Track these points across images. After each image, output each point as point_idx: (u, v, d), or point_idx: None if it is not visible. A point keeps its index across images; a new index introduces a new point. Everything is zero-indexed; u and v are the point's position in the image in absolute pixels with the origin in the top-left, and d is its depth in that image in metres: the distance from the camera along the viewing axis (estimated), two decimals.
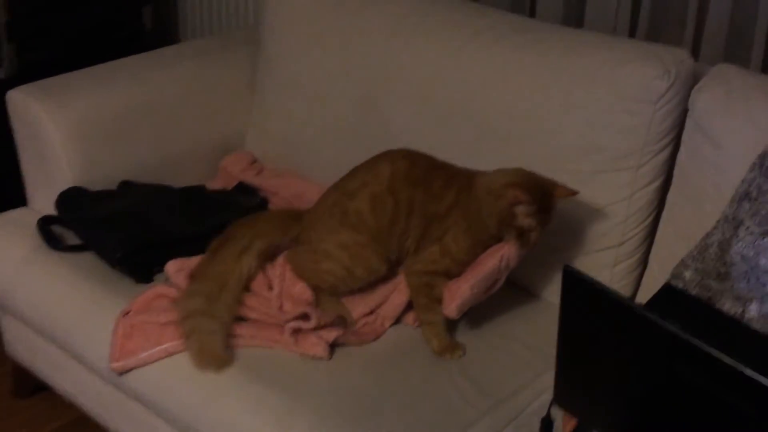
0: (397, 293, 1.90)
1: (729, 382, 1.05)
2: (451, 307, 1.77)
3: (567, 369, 1.29)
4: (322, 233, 1.88)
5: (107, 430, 2.10)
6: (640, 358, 1.17)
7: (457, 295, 1.77)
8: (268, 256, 1.91)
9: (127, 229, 2.04)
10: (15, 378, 2.45)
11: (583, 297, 1.19)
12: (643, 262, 1.96)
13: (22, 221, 2.19)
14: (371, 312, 1.89)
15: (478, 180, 1.82)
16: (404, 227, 1.86)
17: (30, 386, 2.43)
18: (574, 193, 1.79)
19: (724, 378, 1.05)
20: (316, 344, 1.75)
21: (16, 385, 2.46)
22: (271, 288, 1.88)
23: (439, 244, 1.83)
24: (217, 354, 1.74)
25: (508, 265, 1.79)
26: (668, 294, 1.50)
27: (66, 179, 2.19)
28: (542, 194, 1.75)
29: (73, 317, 1.98)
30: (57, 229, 2.15)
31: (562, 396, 1.35)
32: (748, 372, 1.01)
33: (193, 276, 1.88)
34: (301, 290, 1.84)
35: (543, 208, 1.75)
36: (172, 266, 1.92)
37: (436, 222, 1.84)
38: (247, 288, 1.87)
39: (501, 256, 1.77)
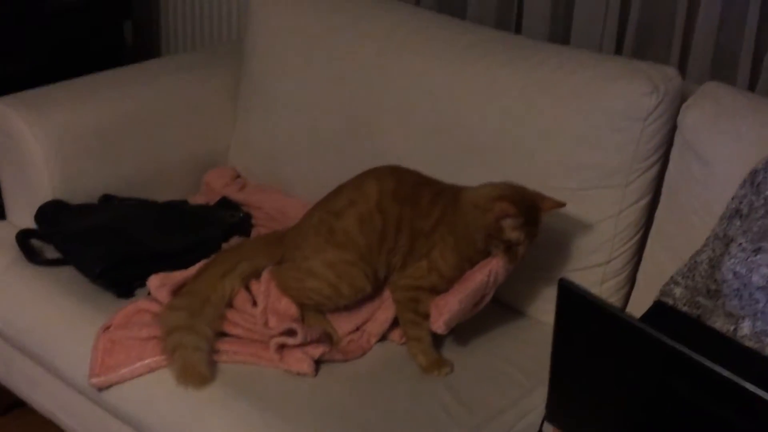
0: (382, 310, 1.88)
1: (728, 396, 1.04)
2: (439, 323, 1.75)
3: (560, 384, 1.27)
4: (307, 252, 1.86)
5: None
6: (636, 373, 1.16)
7: (445, 310, 1.75)
8: (251, 278, 1.89)
9: (107, 243, 2.01)
10: None
11: (579, 310, 1.17)
12: (631, 280, 1.95)
13: (0, 235, 2.15)
14: (357, 329, 1.87)
15: (464, 195, 1.81)
16: (392, 245, 1.84)
17: (5, 403, 2.38)
18: (561, 204, 1.78)
19: (723, 393, 1.04)
20: (301, 360, 1.73)
21: None
22: (254, 304, 1.85)
23: (427, 259, 1.81)
24: (199, 371, 1.71)
25: (497, 280, 1.77)
26: (659, 311, 1.48)
27: (46, 192, 2.15)
28: (529, 207, 1.74)
29: (52, 332, 1.94)
30: (36, 242, 2.12)
31: (555, 413, 1.33)
32: (748, 386, 1.00)
33: (176, 293, 1.85)
34: (287, 306, 1.81)
35: (530, 221, 1.74)
36: (154, 281, 1.89)
37: (422, 238, 1.83)
38: (229, 305, 1.85)
39: (489, 270, 1.76)
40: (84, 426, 2.02)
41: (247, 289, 1.88)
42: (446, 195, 1.84)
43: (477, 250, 1.78)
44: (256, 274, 1.89)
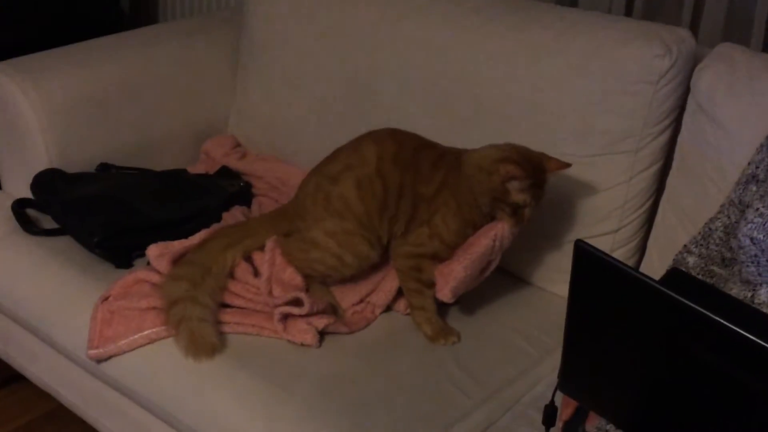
0: (387, 280, 1.83)
1: (749, 359, 1.00)
2: (445, 291, 1.71)
3: (574, 352, 1.23)
4: (308, 222, 1.81)
5: (85, 421, 2.02)
6: (654, 336, 1.11)
7: (451, 277, 1.70)
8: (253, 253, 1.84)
9: (105, 212, 1.96)
10: None
11: (595, 273, 1.13)
12: (642, 248, 1.91)
13: None
14: (361, 301, 1.83)
15: (467, 157, 1.76)
16: (394, 212, 1.79)
17: (1, 377, 2.35)
18: (566, 165, 1.74)
19: (744, 355, 1.00)
20: (305, 331, 1.69)
21: None
22: (256, 275, 1.80)
23: (428, 225, 1.76)
24: (209, 341, 1.67)
25: (502, 245, 1.73)
26: (674, 278, 1.44)
27: (42, 161, 2.11)
28: (535, 168, 1.70)
29: (49, 304, 1.90)
30: (32, 212, 2.08)
31: (568, 381, 1.29)
32: None
33: (176, 262, 1.81)
34: (291, 275, 1.77)
35: (536, 183, 1.70)
36: (153, 250, 1.84)
37: (424, 204, 1.78)
38: (231, 276, 1.80)
39: (494, 235, 1.72)
40: (82, 399, 1.99)
41: (248, 260, 1.84)
42: (448, 158, 1.79)
43: (481, 214, 1.74)
44: (260, 249, 1.84)
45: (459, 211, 1.75)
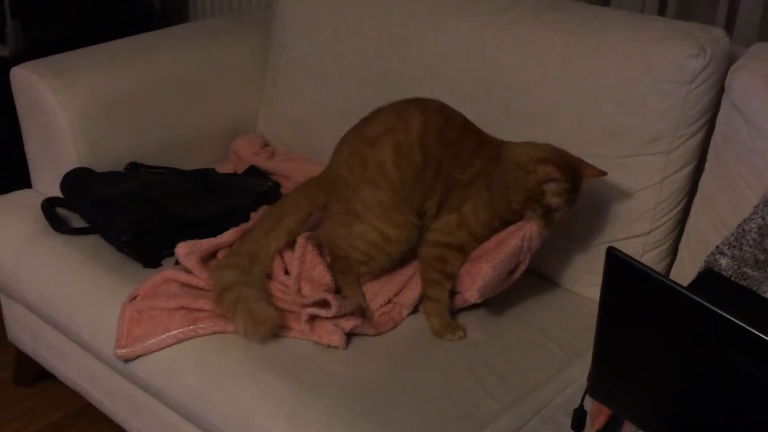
0: (414, 280, 1.82)
1: None
2: (473, 290, 1.69)
3: (604, 358, 1.21)
4: (347, 192, 1.75)
5: (113, 419, 2.03)
6: (686, 345, 1.09)
7: (479, 276, 1.68)
8: (298, 231, 1.81)
9: (134, 211, 1.96)
10: (17, 366, 2.38)
11: (627, 280, 1.11)
12: (673, 251, 1.88)
13: (26, 203, 2.12)
14: (389, 301, 1.81)
15: (508, 151, 1.73)
16: (429, 187, 1.74)
17: (31, 374, 2.37)
18: (603, 173, 1.72)
19: None
20: (332, 333, 1.67)
21: (17, 373, 2.40)
22: (287, 272, 1.79)
23: (458, 213, 1.73)
24: (268, 315, 1.65)
25: (531, 246, 1.71)
26: (707, 279, 1.41)
27: (72, 160, 2.12)
28: (573, 173, 1.68)
29: (78, 302, 1.91)
30: (62, 211, 2.08)
31: (597, 387, 1.27)
32: None
33: (204, 260, 1.81)
34: (321, 273, 1.76)
35: (572, 188, 1.68)
36: (182, 248, 1.84)
37: (458, 190, 1.74)
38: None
39: (523, 235, 1.70)
40: (110, 397, 1.99)
41: (281, 256, 1.83)
42: (489, 147, 1.76)
43: (511, 211, 1.72)
44: (304, 225, 1.82)
45: (490, 203, 1.73)
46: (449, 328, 1.74)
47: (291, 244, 1.81)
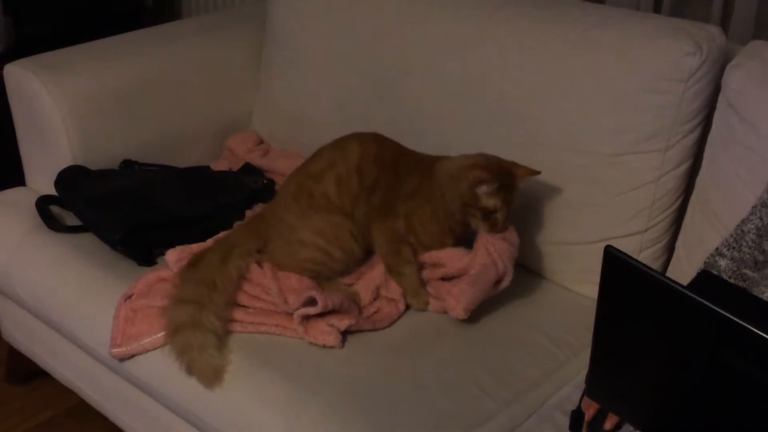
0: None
1: None
2: (458, 310, 1.71)
3: (602, 358, 1.21)
4: (291, 221, 1.82)
5: (106, 417, 2.02)
6: (685, 345, 1.09)
7: (462, 296, 1.71)
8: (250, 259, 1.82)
9: (127, 209, 1.96)
10: (9, 364, 2.37)
11: (625, 279, 1.11)
12: (670, 249, 1.88)
13: (20, 201, 2.12)
14: (376, 297, 1.81)
15: (440, 166, 1.81)
16: (366, 207, 1.82)
17: (24, 373, 2.36)
18: (536, 172, 1.78)
19: None
20: (327, 333, 1.67)
21: (9, 372, 2.39)
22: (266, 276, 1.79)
23: (405, 220, 1.81)
24: (208, 371, 1.64)
25: (500, 253, 1.75)
26: (705, 281, 1.42)
27: (65, 158, 2.11)
28: (503, 174, 1.74)
29: (72, 301, 1.90)
30: (56, 209, 2.07)
31: (595, 388, 1.27)
32: None
33: (178, 283, 1.76)
34: (298, 280, 1.76)
35: (505, 188, 1.73)
36: (171, 255, 1.83)
37: (400, 199, 1.82)
38: (248, 279, 1.78)
39: (486, 249, 1.74)
40: (104, 396, 1.99)
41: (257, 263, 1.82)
42: (424, 165, 1.84)
43: (456, 221, 1.78)
44: (251, 258, 1.83)
45: (434, 215, 1.80)
46: (415, 293, 1.79)
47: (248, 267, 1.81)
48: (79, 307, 1.88)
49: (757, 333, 0.97)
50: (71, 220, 2.04)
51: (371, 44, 2.14)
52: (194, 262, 1.78)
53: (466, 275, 1.75)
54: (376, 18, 2.13)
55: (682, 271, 1.78)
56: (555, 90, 1.86)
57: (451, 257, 1.80)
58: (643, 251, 1.85)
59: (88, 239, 1.97)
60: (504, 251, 1.76)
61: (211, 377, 1.63)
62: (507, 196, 1.74)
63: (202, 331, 1.66)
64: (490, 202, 1.73)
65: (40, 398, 2.36)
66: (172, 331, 1.68)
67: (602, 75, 1.80)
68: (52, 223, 2.01)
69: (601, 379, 1.24)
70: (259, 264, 1.81)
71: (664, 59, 1.73)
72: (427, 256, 1.82)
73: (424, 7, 2.07)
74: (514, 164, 1.77)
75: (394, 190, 1.82)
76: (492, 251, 1.75)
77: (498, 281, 1.76)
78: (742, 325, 0.98)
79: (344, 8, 2.19)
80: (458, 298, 1.72)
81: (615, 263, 1.10)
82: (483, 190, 1.72)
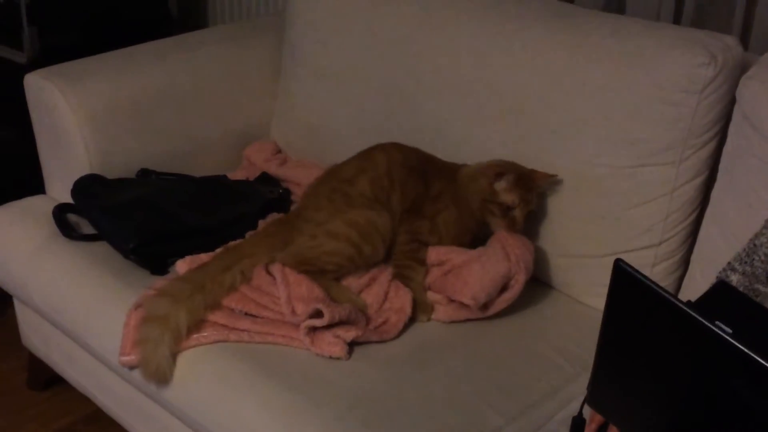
0: (393, 286, 1.85)
1: None
2: (465, 293, 1.74)
3: (605, 369, 1.20)
4: (323, 217, 1.85)
5: (120, 425, 2.03)
6: (688, 365, 1.07)
7: (470, 278, 1.75)
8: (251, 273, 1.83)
9: (140, 219, 1.97)
10: (30, 370, 2.40)
11: (633, 294, 1.10)
12: (685, 263, 1.85)
13: (39, 209, 2.13)
14: (381, 306, 1.81)
15: (461, 170, 1.91)
16: (399, 206, 1.89)
17: (44, 379, 2.38)
18: (553, 177, 1.83)
19: None
20: (333, 344, 1.66)
21: (30, 378, 2.41)
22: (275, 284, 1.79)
23: (430, 222, 1.88)
24: (153, 366, 1.68)
25: (513, 250, 1.78)
26: (720, 292, 1.38)
27: (83, 166, 2.12)
28: (521, 174, 1.82)
29: (85, 309, 1.91)
30: (73, 217, 2.09)
31: (596, 397, 1.25)
32: None
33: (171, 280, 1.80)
34: (309, 288, 1.75)
35: (524, 186, 1.81)
36: (181, 266, 1.85)
37: (428, 201, 1.89)
38: (257, 288, 1.78)
39: (500, 239, 1.80)
40: (117, 403, 2.00)
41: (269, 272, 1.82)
42: (447, 171, 1.93)
43: (476, 221, 1.87)
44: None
45: (459, 217, 1.88)
46: (421, 306, 1.80)
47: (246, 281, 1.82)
48: (90, 315, 1.89)
49: (760, 362, 0.95)
50: (88, 228, 2.05)
51: (388, 56, 2.13)
52: (200, 266, 1.80)
53: (477, 260, 1.77)
54: (392, 31, 2.12)
55: (697, 286, 1.74)
56: (569, 101, 1.84)
57: (457, 251, 1.85)
58: (657, 265, 1.82)
59: (103, 247, 1.98)
60: (517, 248, 1.78)
61: (153, 372, 1.67)
62: (526, 195, 1.81)
63: (165, 327, 1.68)
64: (508, 197, 1.81)
65: (59, 404, 2.38)
66: (142, 320, 1.70)
67: (615, 86, 1.78)
68: (67, 231, 2.02)
69: (603, 388, 1.23)
70: (269, 271, 1.80)
71: (678, 70, 1.70)
72: (434, 255, 1.85)
73: (440, 18, 2.06)
74: (533, 171, 1.84)
75: (422, 193, 1.90)
76: (505, 244, 1.78)
77: (506, 283, 1.76)
78: (745, 352, 0.96)
79: (361, 20, 2.19)
80: (467, 282, 1.75)
81: (624, 277, 1.08)
82: (501, 185, 1.81)
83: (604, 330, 1.18)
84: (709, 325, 1.01)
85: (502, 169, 1.82)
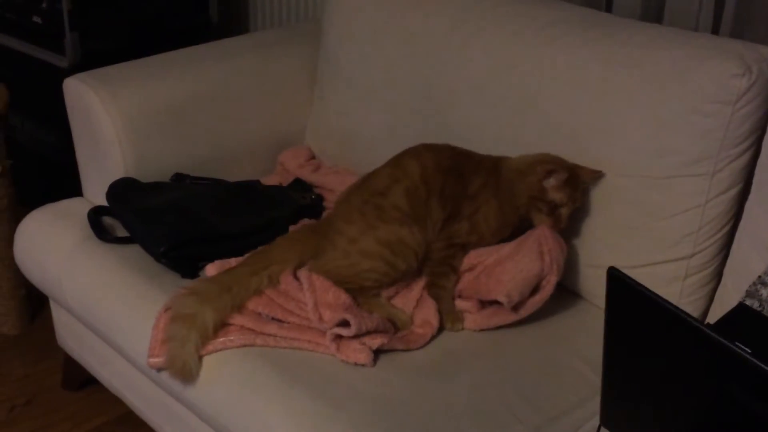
0: (423, 298, 1.84)
1: None
2: (499, 291, 1.73)
3: (613, 385, 1.18)
4: (354, 234, 1.82)
5: (150, 427, 2.05)
6: (691, 374, 1.05)
7: (504, 276, 1.75)
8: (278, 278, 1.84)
9: (172, 222, 1.98)
10: (65, 370, 2.43)
11: (630, 303, 1.08)
12: (717, 276, 1.81)
13: (75, 211, 2.16)
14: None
15: (506, 163, 1.89)
16: (441, 213, 1.86)
17: (78, 379, 2.41)
18: (598, 172, 1.81)
19: None
20: (359, 351, 1.66)
21: (65, 378, 2.44)
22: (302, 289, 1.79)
23: (469, 221, 1.86)
24: (180, 363, 1.69)
25: (549, 250, 1.77)
26: (741, 314, 1.36)
27: (119, 169, 2.15)
28: (570, 171, 1.79)
29: (116, 311, 1.93)
30: (108, 220, 2.11)
31: (609, 416, 1.23)
32: None
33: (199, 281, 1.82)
34: (336, 296, 1.75)
35: (572, 184, 1.79)
36: (210, 270, 1.87)
37: (467, 201, 1.87)
38: (284, 293, 1.79)
39: (537, 237, 1.78)
40: (147, 404, 2.02)
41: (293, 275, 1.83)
42: (486, 164, 1.90)
43: (519, 216, 1.85)
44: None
45: (500, 210, 1.86)
46: (451, 316, 1.79)
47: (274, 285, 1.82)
48: (121, 317, 1.91)
49: (756, 364, 0.93)
50: (122, 230, 2.07)
51: (419, 64, 2.13)
52: (228, 270, 1.82)
53: (511, 259, 1.77)
54: (425, 38, 2.12)
55: (729, 299, 1.71)
56: (600, 110, 1.82)
57: (487, 252, 1.84)
58: (689, 277, 1.80)
59: (136, 250, 2.00)
60: (554, 248, 1.77)
61: (179, 370, 1.68)
62: (573, 193, 1.80)
63: (192, 325, 1.69)
64: (557, 195, 1.80)
65: (93, 405, 2.40)
66: (171, 319, 1.72)
67: (648, 96, 1.76)
68: (101, 233, 2.05)
69: (614, 405, 1.21)
70: (296, 277, 1.81)
71: (711, 80, 1.68)
72: (464, 261, 1.85)
73: (471, 27, 2.05)
74: (577, 165, 1.82)
75: (460, 193, 1.87)
76: (543, 243, 1.77)
77: (537, 284, 1.76)
78: (748, 358, 0.94)
79: (394, 30, 2.19)
80: (500, 280, 1.75)
81: (619, 286, 1.07)
82: (551, 183, 1.80)
83: (607, 343, 1.17)
84: (700, 326, 0.99)
85: (552, 166, 1.80)
